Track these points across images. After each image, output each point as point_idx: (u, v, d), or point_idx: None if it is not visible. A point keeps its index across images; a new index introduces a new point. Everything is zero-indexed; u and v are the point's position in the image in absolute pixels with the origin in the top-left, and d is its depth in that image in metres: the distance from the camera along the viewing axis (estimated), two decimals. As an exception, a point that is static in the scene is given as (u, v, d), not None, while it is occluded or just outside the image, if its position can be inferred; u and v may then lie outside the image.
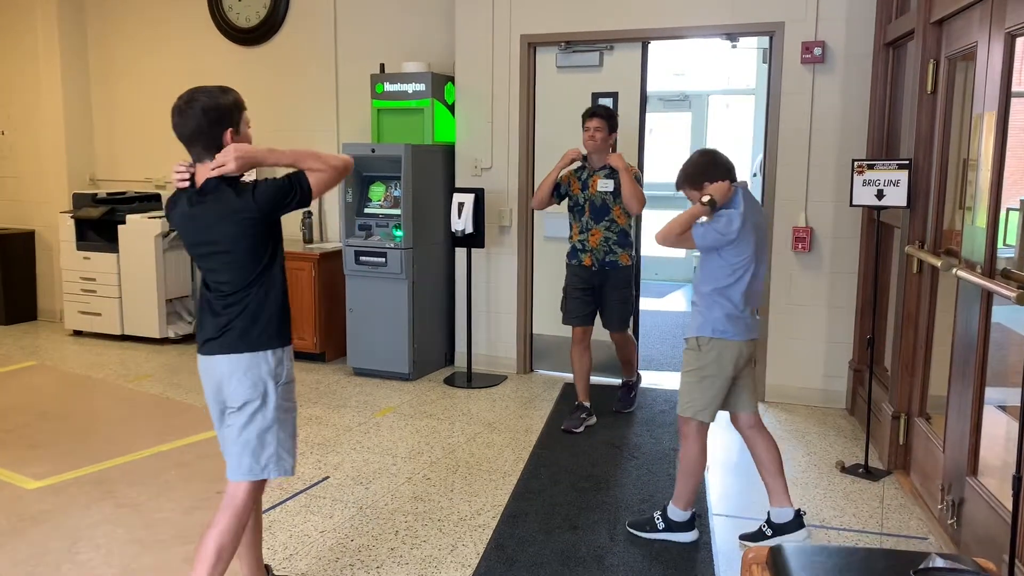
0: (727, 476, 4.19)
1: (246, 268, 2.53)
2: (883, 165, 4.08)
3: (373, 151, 5.63)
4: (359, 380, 5.76)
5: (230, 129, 2.50)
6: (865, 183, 4.15)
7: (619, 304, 4.82)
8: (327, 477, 4.07)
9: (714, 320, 3.26)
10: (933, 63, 3.88)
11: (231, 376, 2.53)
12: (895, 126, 4.80)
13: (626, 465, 4.26)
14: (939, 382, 4.03)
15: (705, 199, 3.17)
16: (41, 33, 7.31)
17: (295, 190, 2.50)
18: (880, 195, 4.08)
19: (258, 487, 2.65)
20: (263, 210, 2.48)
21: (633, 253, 4.90)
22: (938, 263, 3.50)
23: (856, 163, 4.19)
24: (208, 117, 2.45)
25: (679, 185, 3.35)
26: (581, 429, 4.73)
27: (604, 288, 4.78)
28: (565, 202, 4.89)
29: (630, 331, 5.04)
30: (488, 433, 4.71)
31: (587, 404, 4.86)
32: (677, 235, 3.25)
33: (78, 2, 7.42)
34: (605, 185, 4.71)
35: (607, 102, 5.58)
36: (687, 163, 3.34)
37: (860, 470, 4.18)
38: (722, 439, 4.61)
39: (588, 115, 4.74)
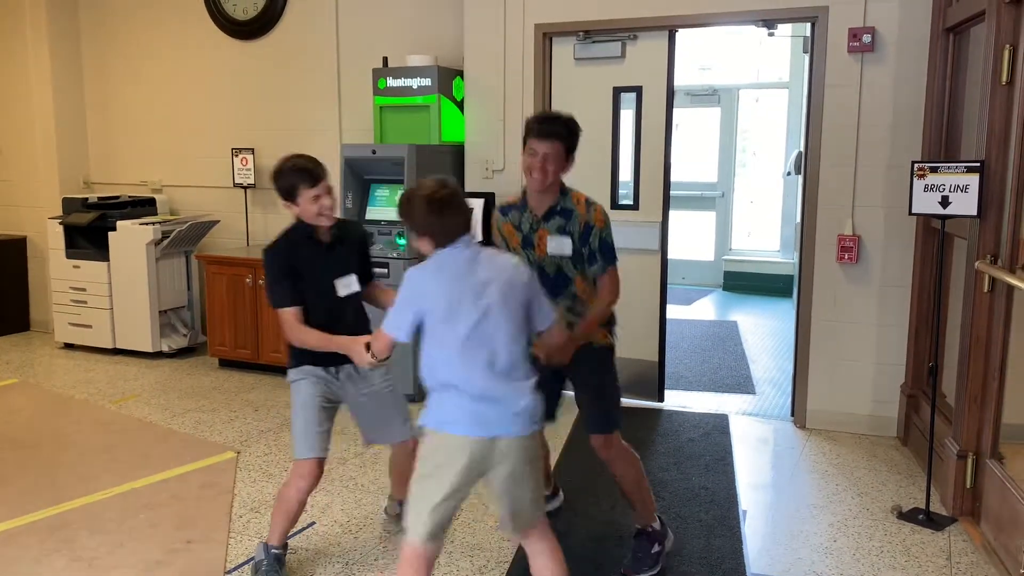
0: (767, 526, 3.67)
1: None
2: (948, 168, 3.54)
3: (374, 152, 5.16)
4: (360, 401, 5.30)
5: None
6: (927, 188, 3.61)
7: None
8: (313, 523, 3.61)
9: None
10: (1009, 49, 3.33)
11: None
12: (956, 122, 4.26)
13: (651, 508, 3.75)
14: (1012, 413, 3.51)
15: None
16: (30, 23, 6.84)
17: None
18: (945, 202, 3.55)
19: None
20: None
21: (616, 329, 3.21)
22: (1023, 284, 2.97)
23: (916, 165, 3.66)
24: None
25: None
26: None
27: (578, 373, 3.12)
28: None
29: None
30: (497, 467, 4.21)
31: None
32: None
33: (70, -5, 7.01)
34: (559, 245, 2.98)
35: (630, 96, 5.08)
36: (411, 199, 2.45)
37: (920, 516, 3.65)
38: (760, 481, 4.10)
39: (537, 132, 2.94)
